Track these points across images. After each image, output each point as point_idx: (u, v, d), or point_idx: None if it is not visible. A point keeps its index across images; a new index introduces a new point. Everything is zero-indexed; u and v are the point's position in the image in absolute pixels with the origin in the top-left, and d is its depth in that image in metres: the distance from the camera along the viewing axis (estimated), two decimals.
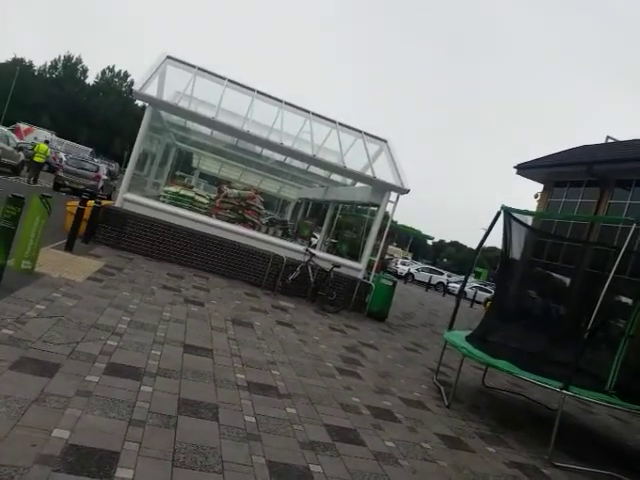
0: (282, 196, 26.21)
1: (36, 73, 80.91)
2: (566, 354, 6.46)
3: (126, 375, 4.56)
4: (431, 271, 41.38)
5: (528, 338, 7.59)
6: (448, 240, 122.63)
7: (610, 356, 6.16)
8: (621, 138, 22.67)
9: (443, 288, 37.18)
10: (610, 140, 23.15)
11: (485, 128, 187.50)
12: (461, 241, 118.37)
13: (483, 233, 7.60)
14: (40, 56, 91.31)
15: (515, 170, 22.87)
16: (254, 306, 9.49)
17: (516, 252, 7.49)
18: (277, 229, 16.43)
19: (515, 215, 7.44)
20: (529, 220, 8.18)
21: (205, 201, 13.77)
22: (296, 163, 16.70)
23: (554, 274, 10.04)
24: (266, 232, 14.15)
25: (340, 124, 14.70)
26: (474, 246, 9.17)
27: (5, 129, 24.53)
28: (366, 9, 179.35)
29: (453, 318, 7.97)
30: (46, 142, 24.58)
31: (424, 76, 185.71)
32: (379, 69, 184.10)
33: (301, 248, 12.70)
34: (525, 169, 22.60)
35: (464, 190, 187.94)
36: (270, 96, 14.36)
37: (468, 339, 7.28)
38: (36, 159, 21.46)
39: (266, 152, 16.43)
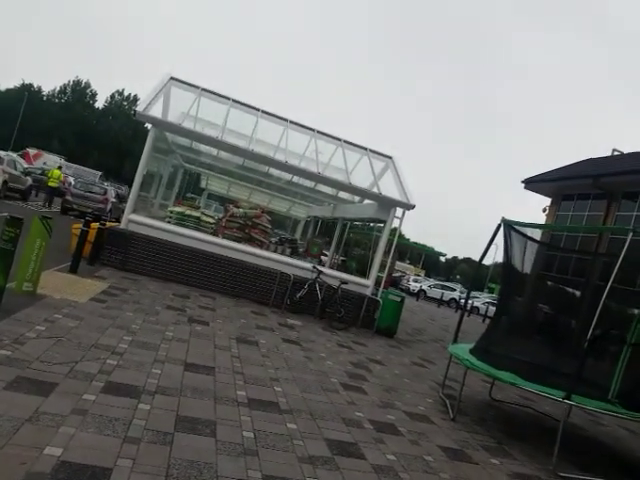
0: (292, 215, 26.31)
1: (45, 98, 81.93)
2: (569, 364, 6.38)
3: (124, 393, 4.57)
4: (443, 287, 41.07)
5: (531, 349, 7.53)
6: (461, 257, 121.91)
7: (613, 365, 6.08)
8: (627, 150, 22.60)
9: (456, 304, 36.91)
10: (616, 152, 23.07)
11: (497, 143, 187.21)
12: (474, 257, 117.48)
13: (496, 249, 7.59)
14: (49, 81, 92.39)
15: (523, 185, 22.87)
16: (260, 324, 9.48)
17: (517, 264, 7.45)
18: (286, 247, 16.47)
19: (517, 227, 7.43)
20: (536, 234, 8.14)
21: (211, 221, 13.83)
22: (304, 181, 16.79)
23: (556, 285, 9.96)
24: (275, 251, 14.18)
25: (345, 142, 14.80)
26: (487, 262, 9.15)
27: (13, 154, 24.97)
28: (366, 22, 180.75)
29: (457, 331, 7.92)
30: (59, 168, 25.39)
31: (432, 90, 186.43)
32: (383, 84, 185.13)
33: (308, 265, 12.70)
34: (532, 183, 22.54)
35: (476, 207, 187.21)
36: (275, 115, 14.50)
37: (472, 351, 7.23)
38: (50, 184, 22.43)
39: (273, 171, 16.58)
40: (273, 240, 16.40)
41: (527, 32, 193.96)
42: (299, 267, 12.58)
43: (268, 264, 12.27)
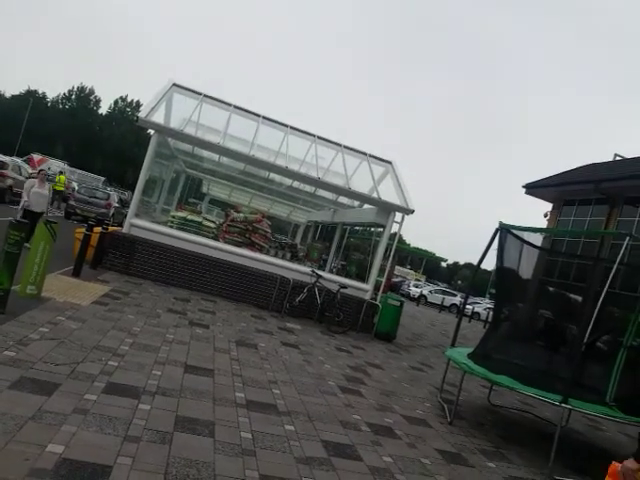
0: (292, 220, 26.42)
1: (49, 104, 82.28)
2: (567, 368, 6.44)
3: (125, 394, 4.64)
4: (444, 293, 41.06)
5: (530, 353, 7.58)
6: (462, 262, 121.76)
7: (609, 368, 6.14)
8: (629, 155, 22.67)
9: (457, 310, 36.90)
10: (618, 157, 23.13)
11: (498, 146, 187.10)
12: (476, 262, 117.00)
13: (495, 254, 7.60)
14: (53, 87, 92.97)
15: (524, 190, 22.95)
16: (260, 328, 9.56)
17: (514, 268, 7.52)
18: (286, 252, 16.54)
19: (514, 232, 7.50)
20: (536, 239, 8.20)
21: (213, 225, 13.92)
22: (304, 187, 16.92)
23: (554, 289, 10.02)
24: (275, 255, 14.26)
25: (345, 147, 14.91)
26: (489, 267, 9.22)
27: (18, 159, 25.41)
28: (366, 23, 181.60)
29: (455, 335, 7.99)
30: (61, 172, 26.37)
31: (434, 95, 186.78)
32: (382, 90, 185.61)
33: (308, 270, 12.78)
34: (533, 188, 22.62)
35: (477, 211, 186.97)
36: (275, 121, 14.63)
37: (470, 356, 7.29)
38: (57, 188, 24.29)
39: (274, 176, 16.70)
40: (273, 245, 16.47)
41: (526, 36, 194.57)
42: (299, 271, 12.67)
43: (268, 268, 12.36)
